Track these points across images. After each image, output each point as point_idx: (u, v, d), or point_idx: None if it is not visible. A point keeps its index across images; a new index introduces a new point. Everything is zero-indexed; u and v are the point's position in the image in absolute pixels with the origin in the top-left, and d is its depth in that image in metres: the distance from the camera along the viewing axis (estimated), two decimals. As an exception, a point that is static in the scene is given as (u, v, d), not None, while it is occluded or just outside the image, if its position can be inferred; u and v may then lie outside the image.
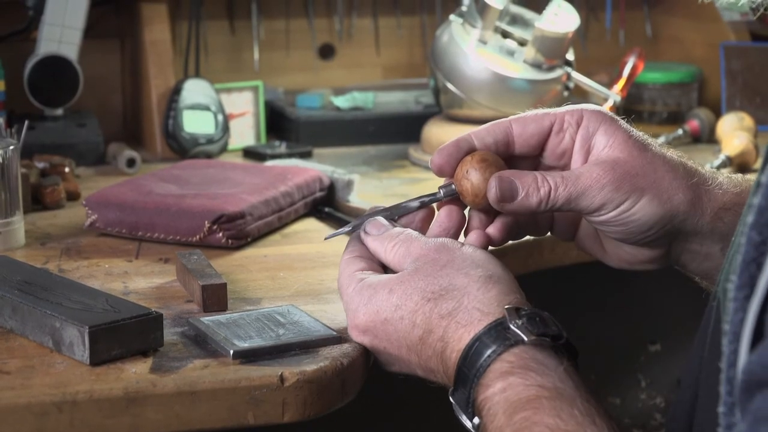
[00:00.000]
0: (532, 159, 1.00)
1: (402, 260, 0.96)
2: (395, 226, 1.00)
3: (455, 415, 0.91)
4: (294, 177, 1.49)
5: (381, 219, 1.00)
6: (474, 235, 0.97)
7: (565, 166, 0.98)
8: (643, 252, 0.98)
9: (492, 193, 0.94)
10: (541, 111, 0.99)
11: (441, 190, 0.99)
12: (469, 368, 0.87)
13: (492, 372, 0.85)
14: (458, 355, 0.88)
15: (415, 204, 1.01)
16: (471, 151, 0.98)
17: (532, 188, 0.94)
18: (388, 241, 0.97)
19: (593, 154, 0.96)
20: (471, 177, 0.95)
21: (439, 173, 0.98)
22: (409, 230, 0.98)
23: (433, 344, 0.91)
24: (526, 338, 0.86)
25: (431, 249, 0.94)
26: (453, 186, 0.97)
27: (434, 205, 1.01)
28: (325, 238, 1.07)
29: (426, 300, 0.92)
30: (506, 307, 0.88)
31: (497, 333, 0.87)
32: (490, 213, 0.98)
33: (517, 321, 0.87)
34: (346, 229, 1.03)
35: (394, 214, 1.01)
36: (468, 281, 0.91)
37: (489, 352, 0.86)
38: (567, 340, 0.88)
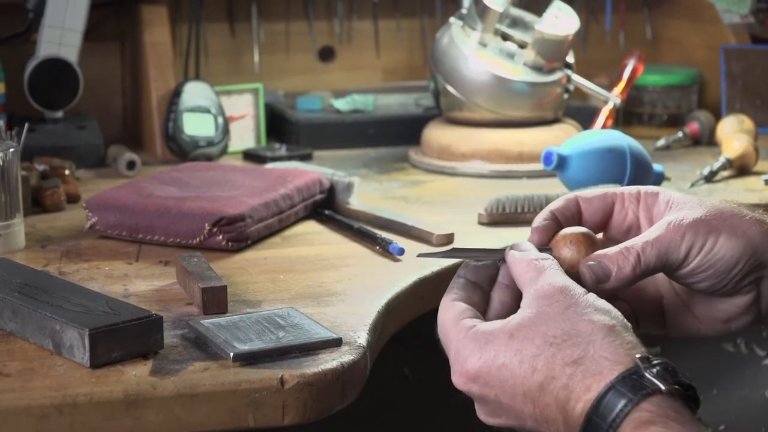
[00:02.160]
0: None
1: (526, 287, 0.91)
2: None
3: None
4: (294, 179, 1.49)
5: (527, 243, 0.96)
6: None
7: None
8: (735, 302, 0.98)
9: (587, 279, 0.94)
10: (601, 188, 1.00)
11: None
12: (603, 418, 0.84)
13: (630, 422, 0.83)
14: (586, 405, 0.85)
15: None
16: (565, 220, 0.98)
17: (621, 260, 0.94)
18: (525, 263, 0.93)
19: (659, 221, 0.97)
20: (565, 255, 0.95)
21: (539, 246, 0.98)
22: (548, 257, 0.94)
23: (554, 392, 0.87)
24: (663, 387, 0.84)
25: (555, 290, 0.90)
26: (551, 252, 0.96)
27: None
28: (418, 256, 1.01)
29: (548, 344, 0.87)
30: (638, 356, 0.86)
31: (632, 382, 0.84)
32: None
33: (651, 370, 0.85)
34: (440, 250, 0.99)
35: (480, 258, 0.97)
36: (592, 328, 0.87)
37: (625, 401, 0.83)
38: (695, 390, 0.87)
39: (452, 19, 1.84)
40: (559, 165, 1.55)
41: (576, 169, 1.54)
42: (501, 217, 1.48)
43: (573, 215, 0.99)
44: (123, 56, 2.01)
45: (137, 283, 1.23)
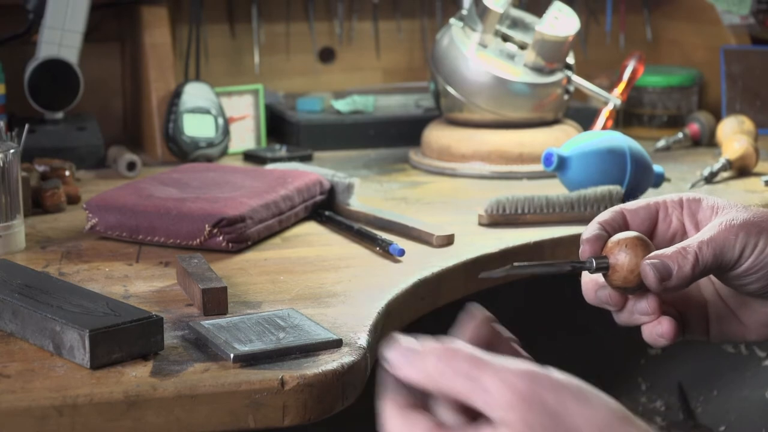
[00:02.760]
0: None
1: (473, 395, 0.66)
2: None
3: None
4: (294, 180, 1.49)
5: (401, 338, 0.68)
6: (667, 324, 0.95)
7: None
8: None
9: (651, 277, 0.93)
10: (644, 199, 1.00)
11: (593, 262, 0.97)
12: None
13: None
14: None
15: (568, 268, 0.97)
16: (613, 231, 0.98)
17: (681, 259, 0.94)
18: (430, 365, 0.67)
19: (706, 225, 0.97)
20: (623, 260, 0.94)
21: (594, 255, 0.97)
22: (450, 342, 0.68)
23: None
24: None
25: (524, 390, 0.66)
26: (607, 259, 0.96)
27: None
28: (480, 276, 0.95)
29: None
30: None
31: None
32: (634, 294, 0.97)
33: None
34: (500, 270, 0.92)
35: (540, 272, 0.96)
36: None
37: None
38: None
39: (452, 20, 1.84)
40: (559, 166, 1.55)
41: (576, 170, 1.54)
42: (501, 218, 1.48)
43: (620, 226, 0.98)
44: (123, 57, 2.01)
45: (137, 284, 1.23)
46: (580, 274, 0.97)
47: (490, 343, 0.71)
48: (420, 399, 0.68)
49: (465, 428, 0.66)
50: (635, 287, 0.94)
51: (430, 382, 0.66)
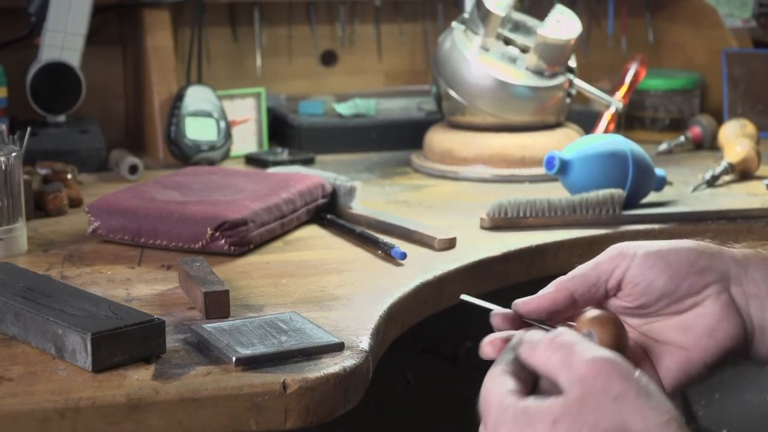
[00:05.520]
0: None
1: (560, 372, 0.83)
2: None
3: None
4: (296, 184, 1.49)
5: (537, 331, 0.87)
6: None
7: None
8: (701, 311, 0.98)
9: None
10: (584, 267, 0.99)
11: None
12: None
13: None
14: None
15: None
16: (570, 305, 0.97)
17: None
18: (543, 348, 0.84)
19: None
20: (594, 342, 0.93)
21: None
22: (565, 331, 0.85)
23: None
24: None
25: (598, 370, 0.82)
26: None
27: None
28: (462, 298, 0.98)
29: None
30: None
31: None
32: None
33: None
34: (484, 304, 0.95)
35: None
36: (645, 426, 0.81)
37: None
38: None
39: (454, 24, 1.84)
40: (561, 169, 1.55)
41: (578, 173, 1.54)
42: (503, 221, 1.48)
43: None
44: (125, 60, 2.01)
45: (139, 287, 1.23)
46: None
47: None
48: (530, 376, 0.86)
49: (538, 398, 0.83)
50: None
51: (537, 361, 0.84)
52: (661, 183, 1.61)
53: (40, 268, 1.29)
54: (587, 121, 1.90)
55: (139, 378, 0.97)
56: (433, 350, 1.76)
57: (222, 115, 1.85)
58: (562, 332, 0.85)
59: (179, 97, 1.84)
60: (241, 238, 1.35)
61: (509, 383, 0.84)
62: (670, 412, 0.81)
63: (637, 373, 0.82)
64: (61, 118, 1.83)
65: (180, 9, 2.00)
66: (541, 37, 1.76)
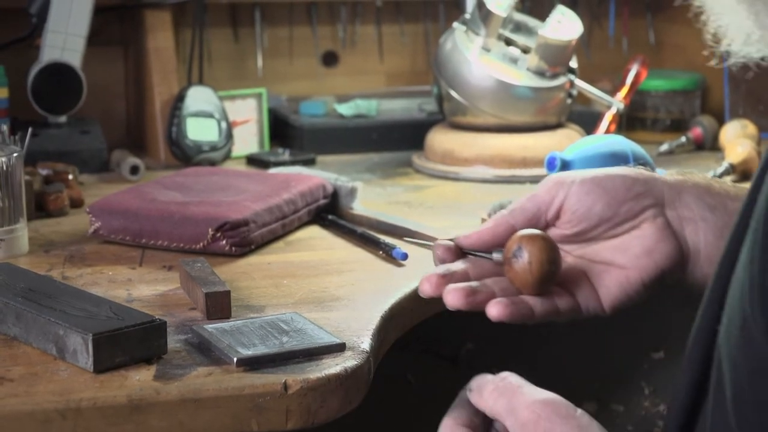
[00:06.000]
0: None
1: (506, 418, 0.85)
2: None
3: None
4: (297, 184, 1.49)
5: (484, 375, 0.90)
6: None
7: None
8: (639, 233, 0.98)
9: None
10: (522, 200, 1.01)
11: (494, 255, 0.98)
12: None
13: None
14: None
15: (498, 257, 0.99)
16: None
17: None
18: (488, 393, 0.87)
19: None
20: (524, 256, 0.94)
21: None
22: (509, 377, 0.88)
23: None
24: None
25: (539, 413, 0.84)
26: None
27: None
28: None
29: None
30: None
31: None
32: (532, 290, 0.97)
33: None
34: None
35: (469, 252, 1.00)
36: None
37: None
38: None
39: (455, 24, 1.84)
40: (562, 170, 1.55)
41: (579, 174, 1.54)
42: (504, 222, 1.48)
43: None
44: (126, 61, 2.01)
45: (141, 287, 1.23)
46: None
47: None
48: (483, 422, 0.89)
49: None
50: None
51: (485, 406, 0.87)
52: (662, 184, 1.61)
53: (42, 268, 1.29)
54: (588, 122, 1.90)
55: (140, 379, 0.97)
56: (434, 351, 1.76)
57: (223, 116, 1.85)
58: (507, 376, 0.87)
59: (180, 98, 1.84)
60: (243, 239, 1.35)
61: None
62: None
63: (578, 412, 0.84)
64: (63, 118, 1.83)
65: (181, 10, 2.00)
66: (543, 37, 1.76)
